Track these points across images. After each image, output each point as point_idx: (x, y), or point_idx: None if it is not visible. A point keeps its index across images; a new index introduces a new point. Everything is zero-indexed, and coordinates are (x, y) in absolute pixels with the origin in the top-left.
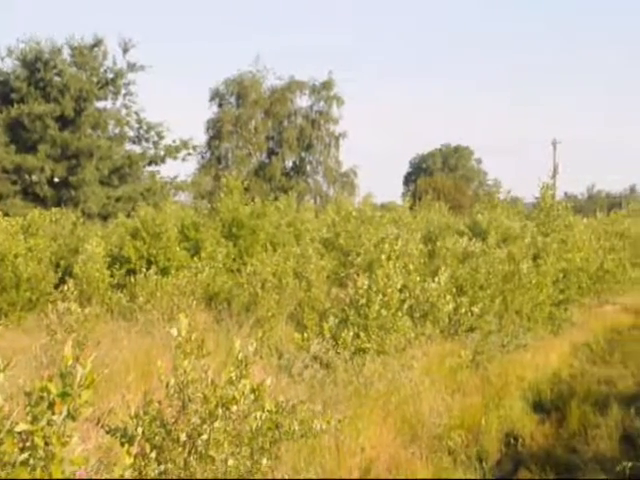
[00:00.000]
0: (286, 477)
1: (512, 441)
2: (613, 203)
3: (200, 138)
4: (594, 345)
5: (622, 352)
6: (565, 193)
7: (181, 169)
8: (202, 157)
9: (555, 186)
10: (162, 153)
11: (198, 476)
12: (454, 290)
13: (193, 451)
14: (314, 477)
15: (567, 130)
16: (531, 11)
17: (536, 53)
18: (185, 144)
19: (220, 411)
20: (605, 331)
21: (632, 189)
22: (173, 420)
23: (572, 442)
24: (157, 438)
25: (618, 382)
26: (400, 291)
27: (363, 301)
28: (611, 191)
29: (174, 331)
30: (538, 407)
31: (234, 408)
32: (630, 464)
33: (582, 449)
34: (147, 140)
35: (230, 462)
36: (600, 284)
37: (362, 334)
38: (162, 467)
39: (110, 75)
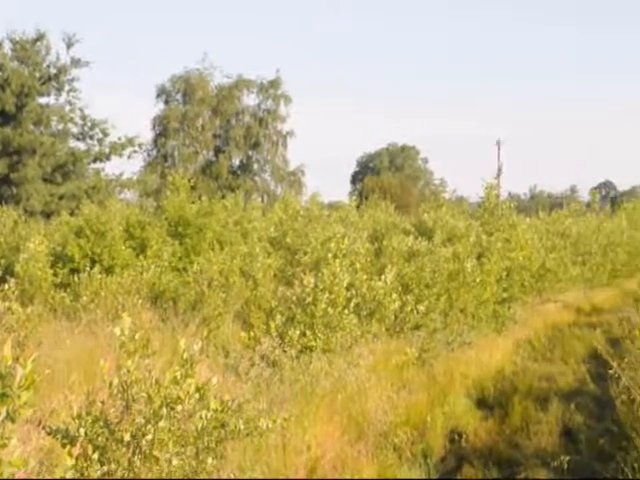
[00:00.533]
0: (232, 476)
1: (456, 437)
2: (554, 203)
3: (146, 135)
4: (536, 342)
5: (563, 349)
6: (509, 193)
7: (127, 167)
8: (148, 155)
9: (499, 186)
10: (107, 150)
11: (142, 476)
12: (400, 288)
13: (137, 451)
14: (260, 476)
15: (511, 130)
16: (467, 9)
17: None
18: (131, 141)
19: (165, 411)
20: (547, 328)
21: (573, 189)
22: (117, 420)
23: (514, 438)
24: (100, 439)
25: (559, 378)
26: (347, 289)
27: (310, 299)
28: (552, 191)
29: (117, 330)
30: (482, 404)
31: (179, 408)
32: (569, 458)
33: (524, 444)
34: (92, 137)
35: (175, 462)
36: (542, 282)
37: (308, 332)
38: (105, 468)
39: (53, 70)
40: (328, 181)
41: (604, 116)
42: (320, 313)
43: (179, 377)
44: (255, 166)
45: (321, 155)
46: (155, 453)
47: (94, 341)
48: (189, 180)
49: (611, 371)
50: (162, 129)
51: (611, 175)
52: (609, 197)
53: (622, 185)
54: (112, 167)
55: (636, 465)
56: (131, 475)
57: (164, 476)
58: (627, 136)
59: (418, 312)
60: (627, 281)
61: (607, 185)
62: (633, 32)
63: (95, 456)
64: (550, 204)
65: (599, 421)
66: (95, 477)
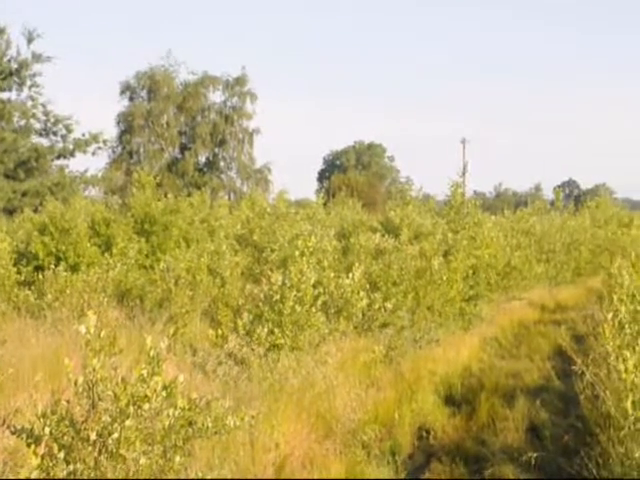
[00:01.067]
0: (200, 475)
1: (424, 434)
2: (519, 201)
3: (111, 132)
4: (502, 340)
5: (528, 346)
6: (474, 191)
7: (91, 163)
8: (113, 151)
9: (465, 184)
10: (71, 147)
11: (109, 475)
12: (368, 286)
13: (103, 450)
14: (228, 474)
15: (477, 129)
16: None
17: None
18: (95, 138)
19: (131, 409)
20: (513, 326)
21: (537, 188)
22: (82, 419)
23: (481, 434)
24: (66, 438)
25: (525, 375)
26: (314, 287)
27: (277, 297)
28: (517, 190)
29: (83, 328)
30: (449, 401)
31: (146, 406)
32: (535, 454)
33: (491, 441)
34: (55, 133)
35: (142, 461)
36: (508, 280)
37: (276, 330)
38: (71, 467)
39: (14, 65)
40: (295, 179)
41: (568, 116)
42: (288, 311)
43: (146, 375)
44: (221, 163)
45: (288, 153)
46: (122, 452)
47: (60, 340)
48: (155, 177)
49: (575, 368)
50: (127, 126)
51: (575, 174)
52: (573, 195)
53: (585, 184)
54: (76, 164)
55: (600, 460)
56: (97, 474)
57: (131, 475)
58: (591, 135)
59: (385, 310)
60: (590, 279)
61: (571, 184)
62: (600, 32)
63: (61, 455)
64: (515, 202)
65: (564, 417)
66: (61, 477)
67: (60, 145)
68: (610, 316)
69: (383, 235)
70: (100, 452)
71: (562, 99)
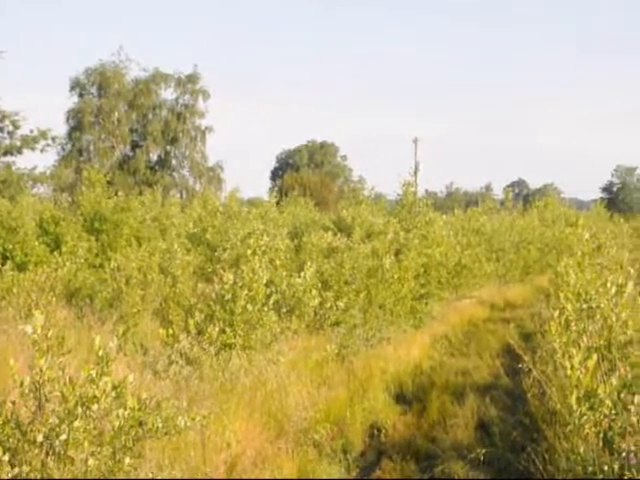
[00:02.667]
0: (150, 475)
1: (376, 432)
2: (470, 201)
3: (60, 129)
4: (453, 338)
5: (478, 344)
6: (426, 190)
7: (40, 161)
8: (62, 149)
9: (416, 183)
10: (18, 143)
11: (56, 477)
12: (320, 285)
13: (51, 452)
14: (179, 474)
15: (429, 129)
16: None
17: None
18: (44, 134)
19: (80, 410)
20: (463, 324)
21: (487, 187)
22: (29, 421)
23: (432, 431)
24: (11, 440)
25: (474, 373)
26: (266, 286)
27: (229, 296)
28: (468, 189)
29: (29, 328)
30: (400, 398)
31: (94, 407)
32: (484, 450)
33: (441, 438)
34: (1, 130)
35: (90, 462)
36: (458, 278)
37: (228, 329)
38: (16, 470)
39: None
40: (248, 177)
41: (519, 116)
42: (239, 310)
43: (95, 375)
44: (173, 161)
45: (240, 151)
46: (70, 453)
47: (5, 340)
48: (105, 175)
49: (523, 365)
50: (77, 122)
51: (524, 174)
52: (522, 195)
53: (534, 183)
54: (24, 161)
55: (546, 456)
56: (44, 476)
57: (79, 476)
58: (540, 136)
59: (337, 308)
60: (539, 277)
61: (520, 183)
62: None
63: (6, 458)
64: (466, 202)
65: (512, 414)
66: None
67: (7, 142)
68: (557, 314)
69: (335, 234)
70: (47, 454)
71: (513, 100)
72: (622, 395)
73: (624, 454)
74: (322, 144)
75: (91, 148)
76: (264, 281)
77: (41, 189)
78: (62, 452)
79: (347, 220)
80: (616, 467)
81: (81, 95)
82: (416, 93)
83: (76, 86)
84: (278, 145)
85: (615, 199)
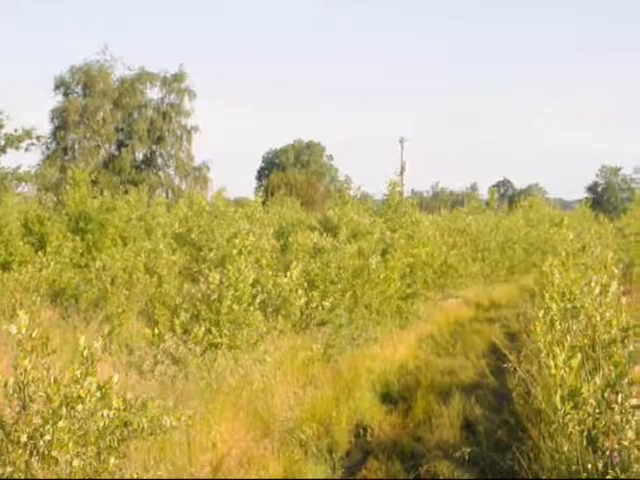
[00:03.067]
0: (135, 476)
1: (361, 432)
2: (456, 201)
3: (44, 128)
4: (438, 337)
5: (464, 343)
6: (412, 190)
7: (24, 160)
8: (47, 148)
9: (402, 183)
10: (2, 142)
11: (40, 477)
12: (306, 285)
13: (35, 452)
14: (164, 475)
15: (415, 129)
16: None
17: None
18: (28, 133)
19: (64, 410)
20: (448, 323)
21: (473, 187)
22: (13, 421)
23: (417, 431)
24: None
25: (460, 372)
26: (252, 286)
27: (215, 296)
28: (454, 189)
29: (13, 328)
30: (386, 398)
31: (79, 407)
32: (469, 450)
33: (427, 437)
34: None
35: (75, 463)
36: (444, 278)
37: (214, 329)
38: (0, 470)
39: None
40: (234, 177)
41: (504, 117)
42: (225, 310)
43: (79, 376)
44: (159, 161)
45: (226, 151)
46: (54, 454)
47: None
48: (90, 174)
49: (508, 365)
50: (61, 122)
51: (509, 174)
52: (507, 195)
53: (519, 183)
54: (8, 160)
55: (531, 455)
56: (28, 477)
57: (64, 477)
58: (524, 137)
59: (323, 308)
60: (524, 277)
61: (505, 183)
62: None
63: None
64: (451, 201)
65: (497, 413)
66: None
67: None
68: (541, 313)
69: (321, 234)
70: (31, 454)
71: (498, 101)
72: (606, 394)
73: (608, 453)
74: (308, 144)
75: (76, 147)
76: (250, 281)
77: (25, 188)
78: (46, 453)
79: (333, 220)
80: (600, 466)
81: (66, 94)
82: (403, 93)
83: (61, 85)
84: (264, 145)
85: (600, 199)
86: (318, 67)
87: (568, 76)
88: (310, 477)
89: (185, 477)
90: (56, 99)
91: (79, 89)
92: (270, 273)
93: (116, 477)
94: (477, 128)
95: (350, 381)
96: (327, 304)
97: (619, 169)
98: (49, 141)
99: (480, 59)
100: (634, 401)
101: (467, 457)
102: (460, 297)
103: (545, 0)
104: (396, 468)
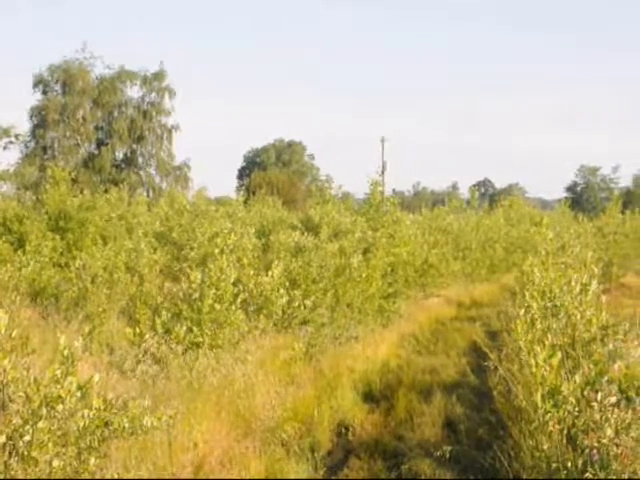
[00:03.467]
0: (115, 476)
1: (343, 431)
2: (437, 200)
3: (23, 126)
4: (420, 336)
5: (445, 342)
6: (393, 189)
7: (2, 158)
8: (26, 146)
9: (384, 182)
10: None
11: (19, 477)
12: (287, 284)
13: (14, 453)
14: (145, 474)
15: (395, 129)
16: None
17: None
18: (7, 132)
19: (44, 410)
20: (430, 322)
21: (454, 186)
22: None
23: (399, 430)
24: None
25: (441, 371)
26: (234, 285)
27: (196, 295)
28: (435, 188)
29: None
30: (368, 397)
31: (59, 407)
32: (450, 448)
33: (408, 436)
34: None
35: (55, 463)
36: (425, 277)
37: (195, 328)
38: None
39: None
40: (215, 176)
41: (485, 117)
42: (207, 309)
43: (59, 375)
44: (140, 160)
45: (208, 150)
46: (34, 454)
47: None
48: (70, 173)
49: (489, 363)
50: (40, 120)
51: (489, 173)
52: (488, 194)
53: (500, 183)
54: None
55: (512, 453)
56: (8, 478)
57: (44, 478)
58: (505, 136)
59: (305, 307)
60: (504, 276)
61: (486, 183)
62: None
63: None
64: (433, 201)
65: (478, 411)
66: None
67: None
68: (522, 312)
69: (303, 233)
70: (10, 455)
71: (478, 100)
72: (585, 392)
73: (587, 450)
74: (289, 143)
75: (55, 146)
76: (232, 280)
77: (4, 187)
78: (26, 453)
79: (315, 219)
80: (579, 463)
81: (45, 92)
82: (384, 93)
83: (39, 83)
84: (246, 144)
85: (579, 199)
86: (303, 65)
87: (549, 76)
88: (292, 477)
89: (166, 477)
90: (35, 97)
91: (58, 87)
92: (252, 272)
93: (97, 477)
94: (458, 128)
95: (332, 380)
96: (309, 303)
97: (598, 169)
98: (28, 139)
99: (460, 59)
100: (613, 399)
101: (448, 456)
102: (441, 296)
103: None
104: (378, 467)
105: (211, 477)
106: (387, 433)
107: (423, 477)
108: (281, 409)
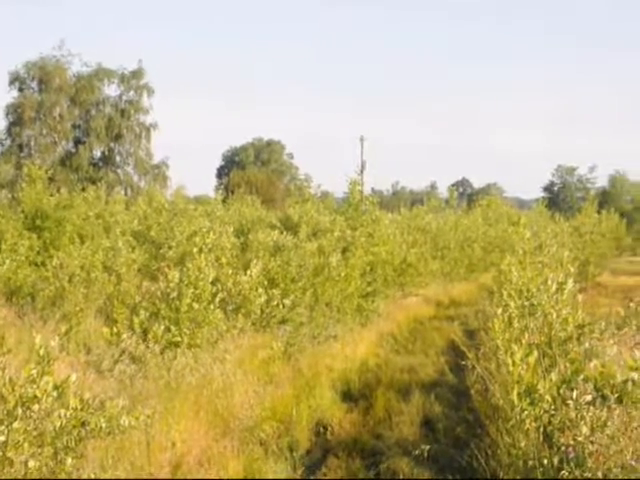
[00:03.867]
0: (92, 476)
1: (322, 430)
2: (415, 199)
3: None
4: (398, 335)
5: (423, 341)
6: (372, 189)
7: None
8: (1, 144)
9: (363, 182)
10: None
11: None
12: (266, 283)
13: None
14: (122, 474)
15: (374, 129)
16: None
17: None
18: None
19: (20, 410)
20: (408, 321)
21: (433, 186)
22: None
23: (378, 428)
24: None
25: (420, 370)
26: (212, 284)
27: (174, 294)
28: (414, 188)
29: None
30: (347, 396)
31: (35, 407)
32: (428, 447)
33: (387, 435)
34: None
35: (31, 463)
36: (404, 276)
37: (173, 328)
38: None
39: None
40: (193, 175)
41: (463, 117)
42: (185, 308)
43: (35, 375)
44: (117, 158)
45: (186, 148)
46: (9, 455)
47: None
48: (47, 171)
49: (467, 362)
50: (16, 118)
51: (468, 173)
52: (466, 194)
53: (478, 183)
54: None
55: (489, 451)
56: None
57: (19, 478)
58: (484, 137)
59: (284, 306)
60: (482, 275)
61: (464, 183)
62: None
63: None
64: (411, 200)
65: (456, 410)
66: None
67: None
68: (500, 311)
69: (282, 232)
70: None
71: (457, 101)
72: (561, 390)
73: (563, 448)
74: (268, 142)
75: (32, 144)
76: (210, 279)
77: None
78: (1, 454)
79: (294, 218)
80: (555, 461)
81: (21, 89)
82: (363, 93)
83: (15, 80)
84: (225, 143)
85: (556, 198)
86: (284, 64)
87: (526, 77)
88: (270, 476)
89: (144, 477)
90: (11, 94)
91: (35, 85)
92: (230, 271)
93: (73, 477)
94: (437, 128)
95: (310, 379)
96: (287, 302)
97: (574, 169)
98: (4, 137)
99: (439, 60)
100: (589, 397)
101: (426, 454)
102: (420, 295)
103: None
104: (356, 466)
105: (189, 477)
106: (365, 432)
107: (401, 476)
108: (260, 408)
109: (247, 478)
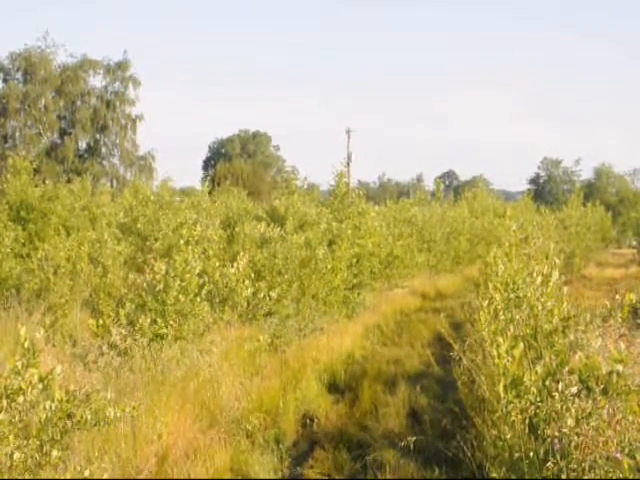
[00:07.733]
0: (78, 468)
1: (308, 422)
2: (402, 191)
3: None
4: (385, 327)
5: (410, 333)
6: (359, 181)
7: None
8: None
9: (349, 174)
10: None
11: None
12: (253, 275)
13: None
14: (109, 466)
15: (361, 121)
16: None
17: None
18: None
19: (4, 402)
20: (395, 313)
21: (419, 178)
22: None
23: (364, 420)
24: None
25: (406, 362)
26: (199, 276)
27: (161, 287)
28: (400, 180)
29: None
30: (333, 388)
31: (20, 399)
32: (414, 438)
33: (373, 427)
34: None
35: (16, 456)
36: (390, 269)
37: (160, 320)
38: None
39: None
40: (180, 166)
41: (450, 109)
42: (171, 300)
43: (20, 367)
44: (103, 150)
45: (172, 140)
46: None
47: None
48: (32, 163)
49: (453, 354)
50: (1, 109)
51: (454, 165)
52: (452, 186)
53: (464, 175)
54: None
55: (475, 443)
56: None
57: (4, 470)
58: (470, 129)
59: (270, 299)
60: (468, 267)
61: (450, 175)
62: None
63: None
64: (398, 192)
65: (442, 402)
66: None
67: None
68: (486, 303)
69: (268, 224)
70: None
71: (444, 93)
72: (547, 382)
73: (548, 440)
74: (255, 134)
75: (17, 135)
76: (197, 271)
77: None
78: None
79: (280, 210)
80: (541, 452)
81: (5, 80)
82: (350, 85)
83: (0, 71)
84: (211, 134)
85: (541, 191)
86: (272, 57)
87: (513, 69)
88: (257, 468)
89: (130, 469)
90: None
91: (19, 75)
92: (217, 263)
93: (59, 470)
94: (423, 120)
95: (297, 371)
96: (274, 295)
97: (560, 161)
98: None
99: (426, 52)
100: (574, 389)
101: (412, 446)
102: (406, 287)
103: None
104: (342, 457)
105: (175, 469)
106: (352, 424)
107: (388, 468)
108: (246, 400)
109: (238, 478)
